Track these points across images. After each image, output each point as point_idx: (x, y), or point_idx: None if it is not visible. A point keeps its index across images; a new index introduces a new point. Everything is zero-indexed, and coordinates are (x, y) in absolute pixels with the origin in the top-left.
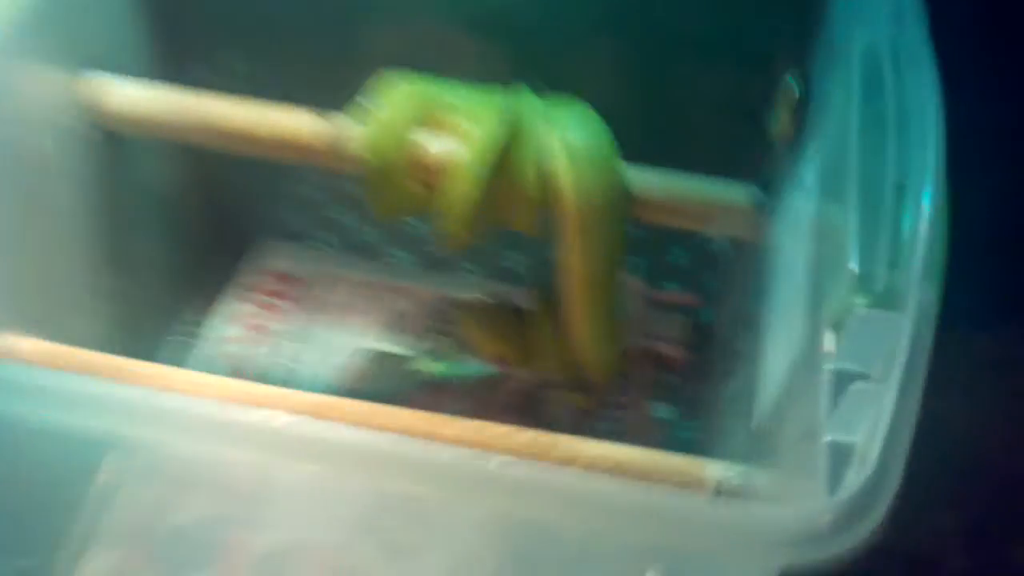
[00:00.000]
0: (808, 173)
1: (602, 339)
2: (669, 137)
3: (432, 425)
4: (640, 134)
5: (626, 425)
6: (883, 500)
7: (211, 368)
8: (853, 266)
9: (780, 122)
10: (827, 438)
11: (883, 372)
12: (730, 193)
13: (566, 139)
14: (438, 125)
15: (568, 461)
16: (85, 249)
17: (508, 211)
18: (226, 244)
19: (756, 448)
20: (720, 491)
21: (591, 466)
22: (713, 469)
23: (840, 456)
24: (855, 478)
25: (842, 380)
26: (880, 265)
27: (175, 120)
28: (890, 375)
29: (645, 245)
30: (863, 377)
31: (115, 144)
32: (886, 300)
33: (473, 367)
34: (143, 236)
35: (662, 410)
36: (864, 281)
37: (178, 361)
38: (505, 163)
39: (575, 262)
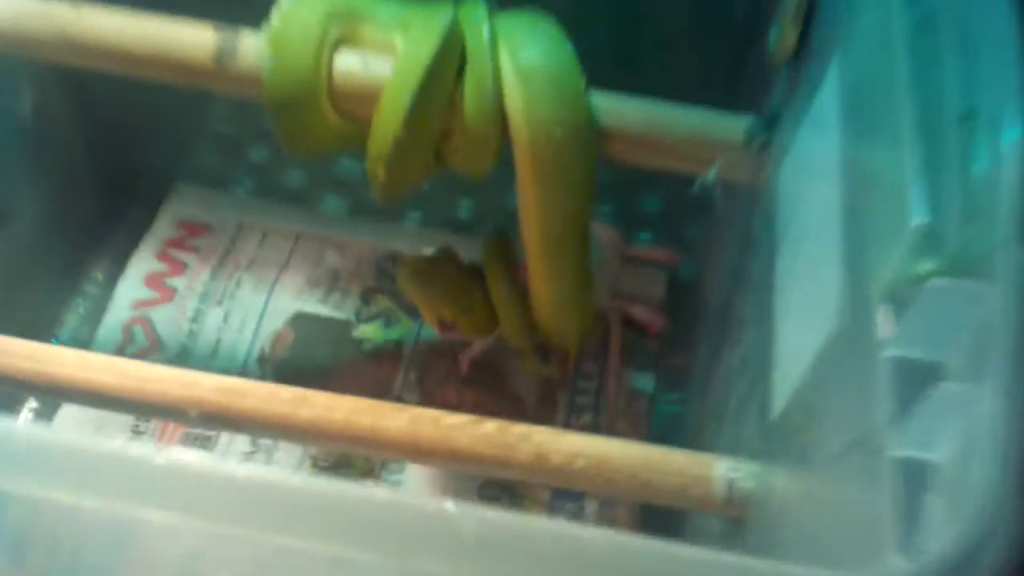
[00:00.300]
0: (826, 100)
1: (567, 302)
2: (646, 57)
3: (376, 416)
4: (611, 53)
5: (600, 398)
6: (992, 562)
7: (122, 336)
8: (917, 219)
9: (782, 36)
10: (895, 453)
11: (968, 364)
12: (720, 126)
13: (518, 58)
14: (362, 41)
15: (540, 459)
16: None
17: (449, 150)
18: (136, 192)
19: (773, 444)
20: (731, 494)
21: (569, 463)
22: (721, 467)
23: (915, 482)
24: (945, 521)
25: (908, 372)
26: (950, 218)
27: (31, 31)
28: (981, 369)
29: (613, 189)
30: (937, 369)
31: None
32: (963, 265)
33: (419, 332)
34: (21, 183)
35: (640, 380)
36: (930, 240)
37: (86, 329)
38: (438, 88)
39: (531, 211)
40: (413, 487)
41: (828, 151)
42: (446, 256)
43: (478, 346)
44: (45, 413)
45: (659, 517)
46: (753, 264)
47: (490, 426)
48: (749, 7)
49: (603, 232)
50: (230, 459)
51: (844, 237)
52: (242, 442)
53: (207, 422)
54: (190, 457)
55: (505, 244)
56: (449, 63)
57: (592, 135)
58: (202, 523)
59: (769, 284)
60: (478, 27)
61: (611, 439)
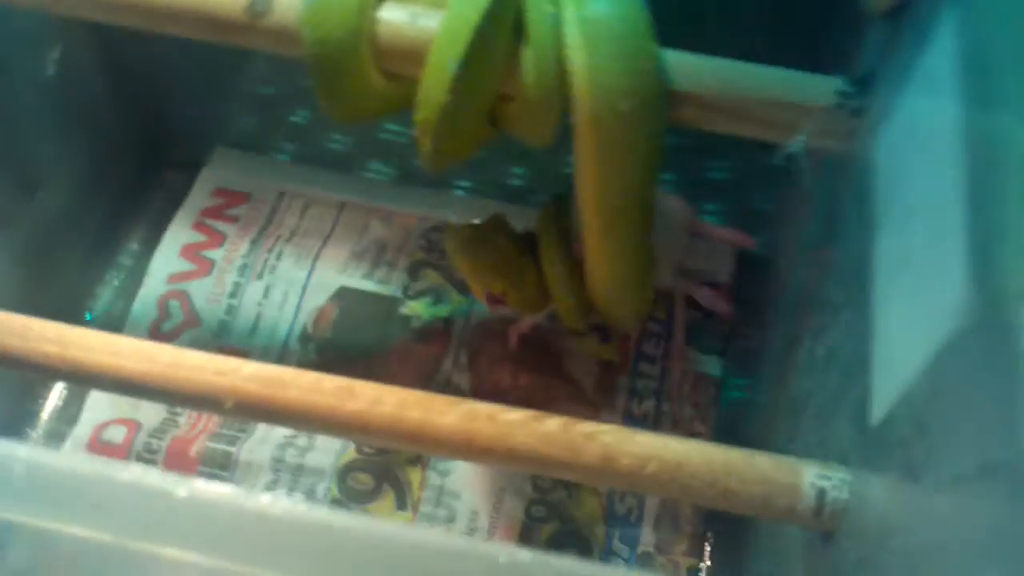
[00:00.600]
0: (939, 60)
1: (625, 283)
2: (723, 12)
3: (427, 410)
4: (677, 6)
5: (663, 382)
6: None
7: (157, 311)
8: None
9: None
10: None
11: None
12: (806, 88)
13: (583, 12)
14: None
15: (608, 461)
16: None
17: (508, 116)
18: (172, 158)
19: (872, 452)
20: (821, 506)
21: (640, 467)
22: (810, 474)
23: None
24: None
25: None
26: None
27: None
28: None
29: (676, 154)
30: None
31: None
32: None
33: (470, 309)
34: (51, 150)
35: (707, 363)
36: None
37: (120, 303)
38: (491, 47)
39: (590, 184)
40: (462, 476)
41: (943, 120)
42: (497, 224)
43: (528, 321)
44: (77, 393)
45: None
46: (841, 244)
47: (553, 424)
48: None
49: (672, 203)
50: (268, 444)
51: (968, 221)
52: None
53: (244, 413)
54: (214, 490)
55: (562, 214)
56: (504, 18)
57: (662, 103)
58: (226, 563)
59: (865, 269)
60: None
61: (686, 440)
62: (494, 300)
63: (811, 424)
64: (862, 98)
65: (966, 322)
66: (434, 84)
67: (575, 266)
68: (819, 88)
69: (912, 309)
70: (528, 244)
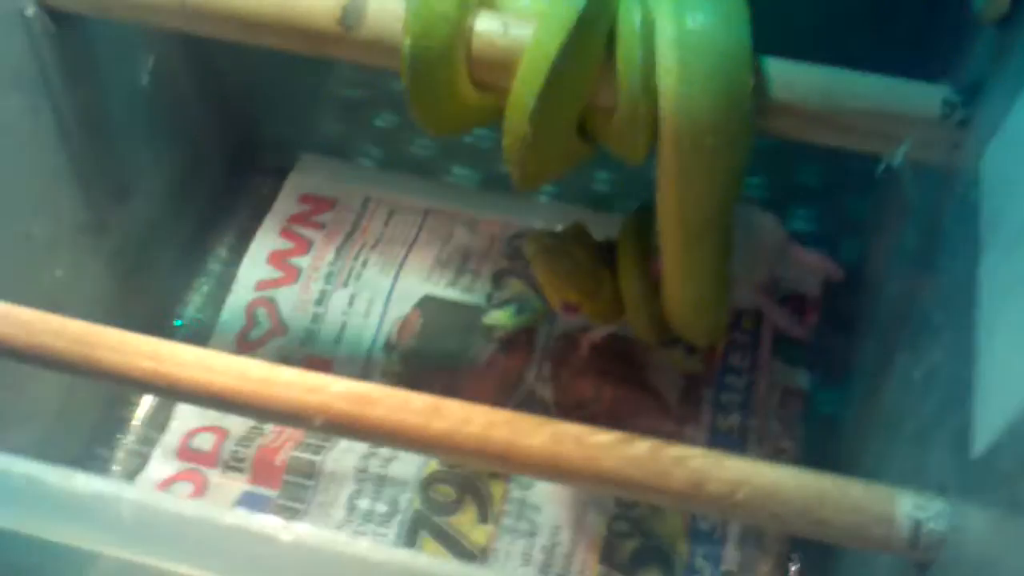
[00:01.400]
0: None
1: (700, 304)
2: (821, 16)
3: (515, 430)
4: (781, 11)
5: (749, 396)
6: None
7: (245, 319)
8: None
9: None
10: None
11: None
12: (909, 97)
13: (682, 23)
14: (506, 4)
15: (697, 487)
16: (58, 175)
17: (603, 130)
18: (260, 164)
19: (973, 483)
20: (917, 537)
21: (730, 493)
22: (906, 504)
23: None
24: None
25: None
26: None
27: None
28: None
29: (766, 157)
30: None
31: (78, 35)
32: None
33: (554, 319)
34: (142, 157)
35: (795, 375)
36: None
37: (209, 310)
38: (582, 58)
39: (670, 204)
40: (544, 489)
41: None
42: (576, 233)
43: (601, 331)
44: (166, 401)
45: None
46: (944, 260)
47: (641, 447)
48: None
49: (765, 222)
50: (353, 454)
51: None
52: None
53: (332, 430)
54: (318, 536)
55: (644, 227)
56: (593, 34)
57: (750, 131)
58: None
59: (969, 290)
60: None
61: (778, 466)
62: (569, 309)
63: (906, 448)
64: (969, 108)
65: None
66: (517, 114)
67: (652, 283)
68: (923, 97)
69: (1022, 335)
70: (607, 254)
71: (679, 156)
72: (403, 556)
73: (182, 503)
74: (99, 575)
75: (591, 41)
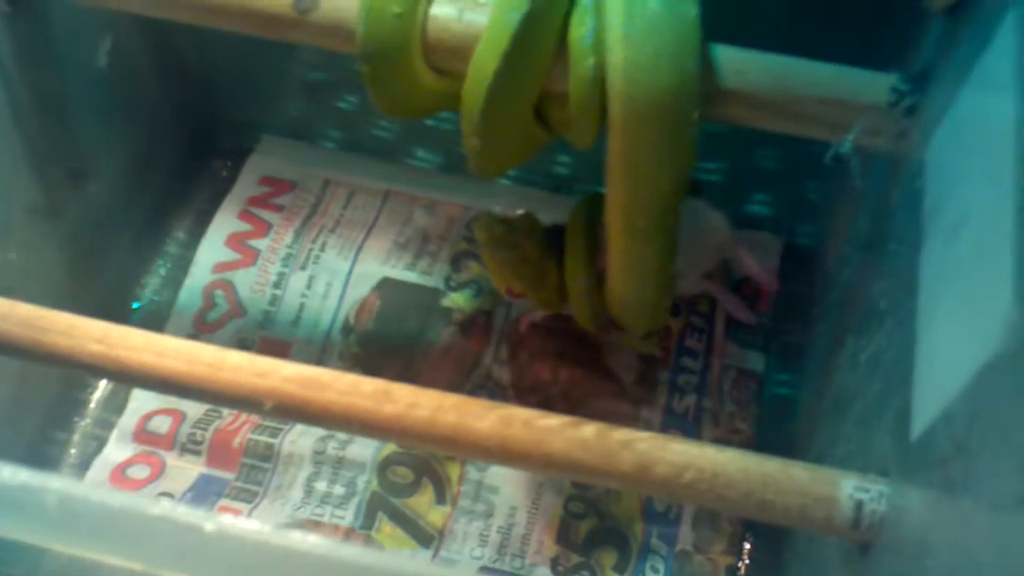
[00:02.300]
0: (999, 59)
1: (641, 300)
2: (773, 4)
3: (463, 414)
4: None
5: (705, 378)
6: None
7: (203, 300)
8: None
9: None
10: None
11: None
12: (858, 84)
13: (630, 9)
14: None
15: (644, 469)
16: (11, 157)
17: (557, 118)
18: (219, 146)
19: (911, 465)
20: (858, 518)
21: (676, 476)
22: (848, 486)
23: None
24: None
25: None
26: None
27: None
28: None
29: (724, 142)
30: None
31: (33, 14)
32: None
33: (511, 303)
34: (99, 139)
35: (750, 358)
36: None
37: (167, 292)
38: (536, 44)
39: (619, 187)
40: (501, 471)
41: (1001, 123)
42: (526, 226)
43: (541, 313)
44: (120, 389)
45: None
46: (890, 246)
47: (588, 430)
48: None
49: (714, 221)
50: (310, 436)
51: (1022, 230)
52: None
53: (282, 414)
54: (241, 525)
55: (595, 214)
56: (549, 15)
57: (696, 114)
58: None
59: (911, 276)
60: None
61: (723, 449)
62: (513, 294)
63: (853, 430)
64: (916, 96)
65: (1013, 339)
66: (471, 100)
67: (595, 276)
68: (872, 85)
69: (958, 323)
70: (556, 239)
71: (625, 143)
72: (327, 547)
73: (107, 493)
74: (24, 566)
75: (544, 27)
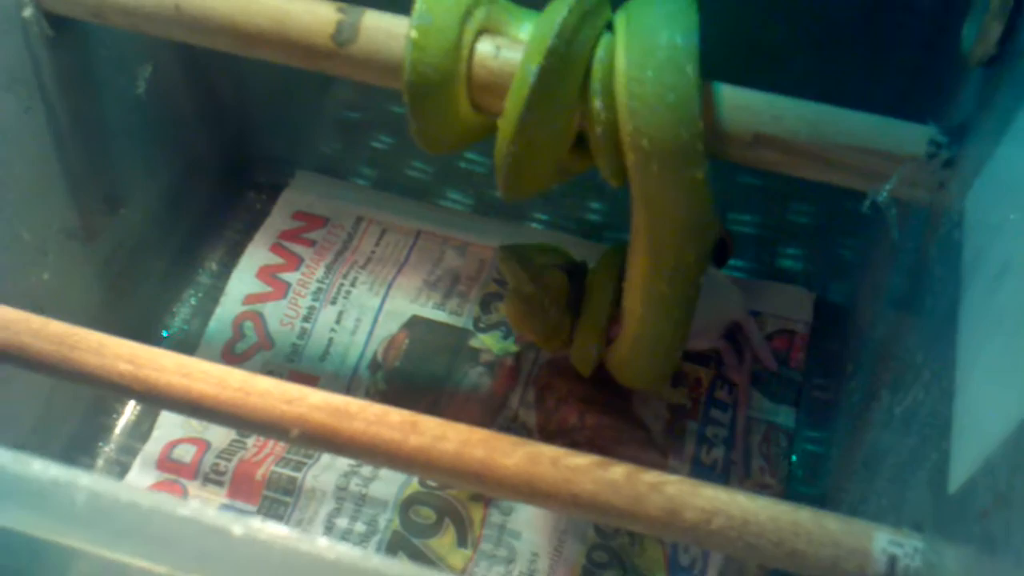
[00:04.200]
0: None
1: (643, 370)
2: (813, 52)
3: (491, 449)
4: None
5: (732, 430)
6: None
7: (232, 331)
8: None
9: (982, 33)
10: None
11: None
12: (896, 135)
13: (631, 44)
14: (505, 29)
15: (673, 514)
16: (50, 180)
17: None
18: (254, 179)
19: (949, 520)
20: (892, 573)
21: (705, 521)
22: (882, 539)
23: None
24: None
25: None
26: None
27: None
28: None
29: (756, 194)
30: None
31: (76, 41)
32: None
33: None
34: (136, 168)
35: (779, 414)
36: None
37: (196, 321)
38: (563, 82)
39: (638, 230)
40: (524, 516)
41: None
42: (553, 289)
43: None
44: (149, 410)
45: None
46: (927, 298)
47: (617, 471)
48: None
49: (730, 294)
50: (333, 472)
51: None
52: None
53: (308, 442)
54: (269, 530)
55: (616, 268)
56: (572, 53)
57: (701, 159)
58: None
59: (951, 328)
60: (602, 15)
61: (754, 497)
62: (520, 336)
63: (886, 485)
64: (955, 148)
65: None
66: (511, 113)
67: (606, 341)
68: (910, 136)
69: (1000, 373)
70: (577, 280)
71: (640, 185)
72: (355, 555)
73: (136, 492)
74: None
75: (568, 66)
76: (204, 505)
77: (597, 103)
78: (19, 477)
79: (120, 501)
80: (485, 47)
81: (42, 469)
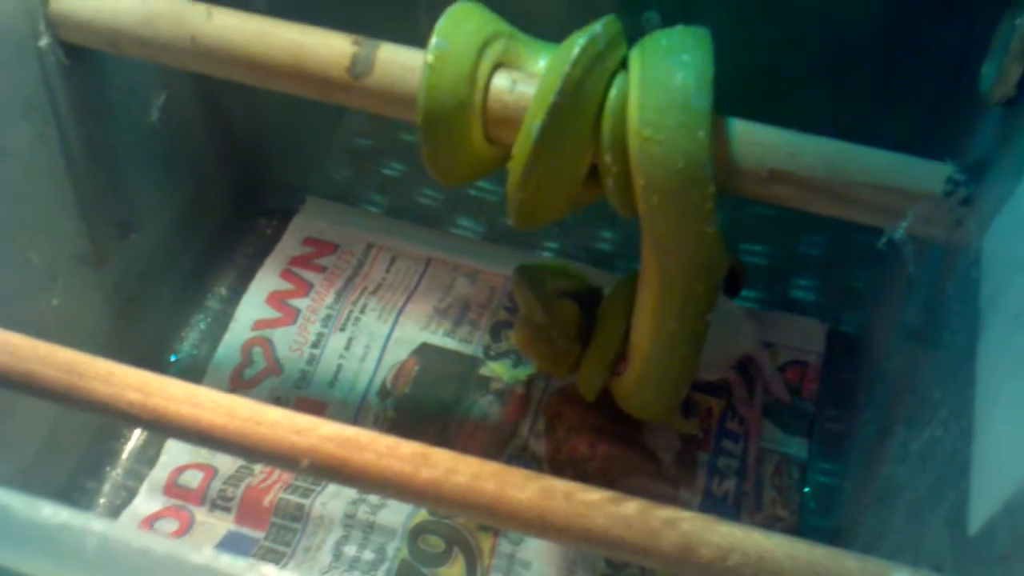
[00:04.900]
0: None
1: (649, 405)
2: (830, 89)
3: (503, 482)
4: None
5: (744, 461)
6: None
7: (241, 357)
8: None
9: (1002, 76)
10: None
11: None
12: (913, 173)
13: (643, 101)
14: (520, 63)
15: (687, 551)
16: (62, 205)
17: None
18: (265, 205)
19: (967, 561)
20: None
21: (721, 559)
22: None
23: None
24: None
25: None
26: None
27: (156, 33)
28: None
29: (769, 226)
30: None
31: (91, 69)
32: None
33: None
34: (148, 193)
35: (792, 445)
36: None
37: (205, 346)
38: (575, 117)
39: (648, 262)
40: (534, 546)
41: None
42: (565, 321)
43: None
44: (153, 441)
45: None
46: (944, 335)
47: (631, 507)
48: (956, 38)
49: (744, 327)
50: (341, 499)
51: None
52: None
53: (318, 473)
54: None
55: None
56: (594, 78)
57: (709, 195)
58: None
59: (969, 365)
60: (621, 45)
61: (770, 534)
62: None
63: (902, 522)
64: (973, 187)
65: None
66: (522, 146)
67: (610, 375)
68: (927, 173)
69: (1020, 415)
70: (588, 313)
71: (648, 227)
72: None
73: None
74: None
75: (574, 117)
76: (218, 554)
77: (608, 157)
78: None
79: (132, 547)
80: (501, 81)
81: (52, 513)
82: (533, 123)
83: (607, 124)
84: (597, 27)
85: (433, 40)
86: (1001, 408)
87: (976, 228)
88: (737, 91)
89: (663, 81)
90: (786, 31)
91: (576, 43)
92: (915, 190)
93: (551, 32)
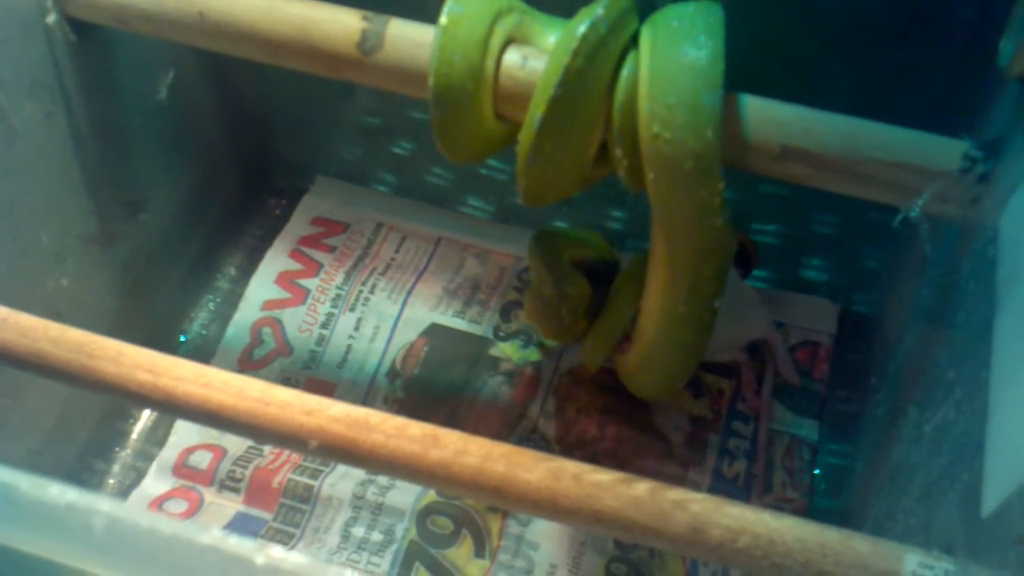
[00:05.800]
0: None
1: (656, 386)
2: (845, 66)
3: (512, 464)
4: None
5: (754, 443)
6: None
7: (250, 337)
8: None
9: (1020, 50)
10: None
11: None
12: (928, 150)
13: (655, 55)
14: (531, 39)
15: (697, 532)
16: (70, 185)
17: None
18: (274, 185)
19: (980, 543)
20: None
21: (730, 540)
22: (911, 562)
23: None
24: None
25: None
26: None
27: (164, 8)
28: None
29: (781, 205)
30: None
31: (98, 46)
32: None
33: (560, 355)
34: (157, 172)
35: (802, 426)
36: None
37: (215, 326)
38: (585, 92)
39: (656, 238)
40: (543, 527)
41: None
42: (575, 296)
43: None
44: (166, 416)
45: None
46: (959, 315)
47: (641, 488)
48: (972, 12)
49: (756, 312)
50: (350, 480)
51: None
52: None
53: (327, 453)
54: (293, 559)
55: (637, 283)
56: (599, 64)
57: (717, 172)
58: None
59: (984, 346)
60: (633, 20)
61: (781, 516)
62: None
63: (914, 504)
64: (990, 163)
65: None
66: (531, 121)
67: (613, 351)
68: (944, 151)
69: None
70: (600, 290)
71: (657, 212)
72: None
73: (155, 519)
74: None
75: (584, 89)
76: (226, 536)
77: (619, 151)
78: (36, 501)
79: (140, 527)
80: (513, 57)
81: (59, 493)
82: (536, 113)
83: (617, 117)
84: (599, 9)
85: (447, 3)
86: (1016, 390)
87: (993, 206)
88: (750, 66)
89: (672, 75)
90: (800, 5)
91: (577, 30)
92: (931, 167)
93: (563, 4)
